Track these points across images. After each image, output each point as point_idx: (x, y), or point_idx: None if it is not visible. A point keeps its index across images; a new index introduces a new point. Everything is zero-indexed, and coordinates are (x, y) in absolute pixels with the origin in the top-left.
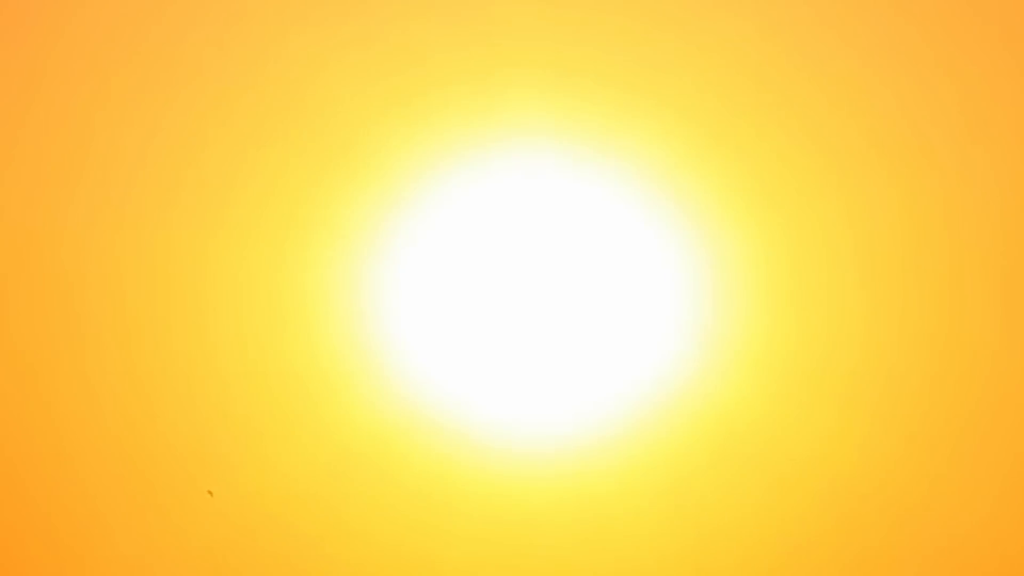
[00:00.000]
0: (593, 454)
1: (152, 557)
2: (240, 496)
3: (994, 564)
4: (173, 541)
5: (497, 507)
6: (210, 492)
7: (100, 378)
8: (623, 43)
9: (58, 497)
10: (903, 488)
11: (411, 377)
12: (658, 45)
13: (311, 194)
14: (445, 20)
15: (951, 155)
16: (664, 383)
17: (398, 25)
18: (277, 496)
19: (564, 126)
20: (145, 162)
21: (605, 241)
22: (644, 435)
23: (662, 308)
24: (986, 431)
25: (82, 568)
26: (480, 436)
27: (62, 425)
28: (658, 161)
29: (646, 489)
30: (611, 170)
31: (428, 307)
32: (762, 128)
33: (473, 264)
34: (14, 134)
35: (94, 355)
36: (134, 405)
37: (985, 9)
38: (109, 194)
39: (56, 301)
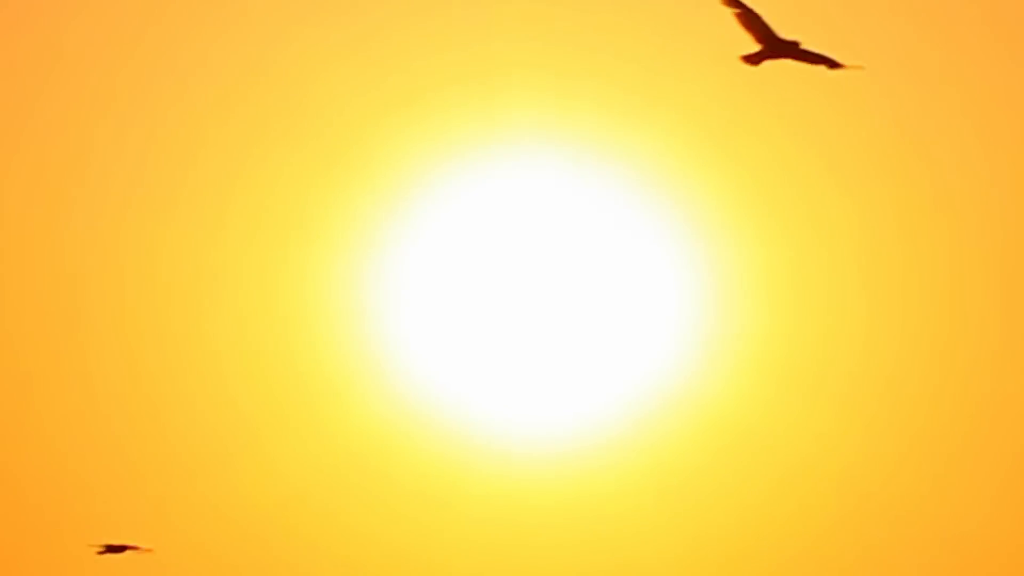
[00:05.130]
0: (593, 454)
1: (152, 557)
2: (240, 496)
3: (994, 564)
4: (173, 541)
5: (497, 507)
6: None
7: (100, 378)
8: (623, 45)
9: (58, 497)
10: (903, 488)
11: (411, 377)
12: (659, 47)
13: (311, 195)
14: (445, 21)
15: (951, 157)
16: (665, 384)
17: (398, 26)
18: (277, 496)
19: (564, 128)
20: (145, 162)
21: (606, 243)
22: (645, 436)
23: (663, 309)
24: (986, 431)
25: (82, 568)
26: (480, 437)
27: (62, 425)
28: (658, 163)
29: (646, 489)
30: (612, 172)
31: (428, 308)
32: (763, 130)
33: (473, 265)
34: (15, 135)
35: (94, 355)
36: (134, 405)
37: (985, 11)
38: (109, 194)
39: (56, 301)
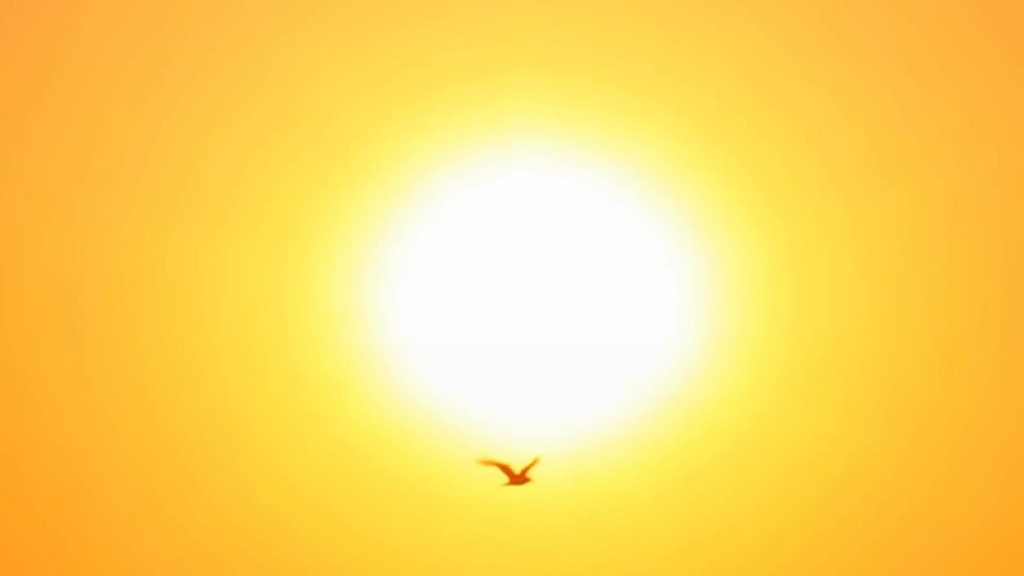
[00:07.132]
0: (593, 454)
1: (152, 557)
2: (240, 496)
3: (995, 564)
4: (173, 541)
5: (497, 507)
6: None
7: (100, 378)
8: (623, 44)
9: (58, 497)
10: (903, 487)
11: (411, 377)
12: (659, 47)
13: (312, 195)
14: (445, 21)
15: (952, 156)
16: (665, 384)
17: (398, 27)
18: (277, 496)
19: (565, 127)
20: (146, 163)
21: (606, 242)
22: (645, 436)
23: (663, 309)
24: (986, 431)
25: (82, 568)
26: (480, 437)
27: (62, 425)
28: (659, 162)
29: (646, 489)
30: (612, 171)
31: (429, 308)
32: (763, 129)
33: (474, 264)
34: (16, 135)
35: (94, 355)
36: (134, 405)
37: (985, 10)
38: (110, 195)
39: (56, 301)
